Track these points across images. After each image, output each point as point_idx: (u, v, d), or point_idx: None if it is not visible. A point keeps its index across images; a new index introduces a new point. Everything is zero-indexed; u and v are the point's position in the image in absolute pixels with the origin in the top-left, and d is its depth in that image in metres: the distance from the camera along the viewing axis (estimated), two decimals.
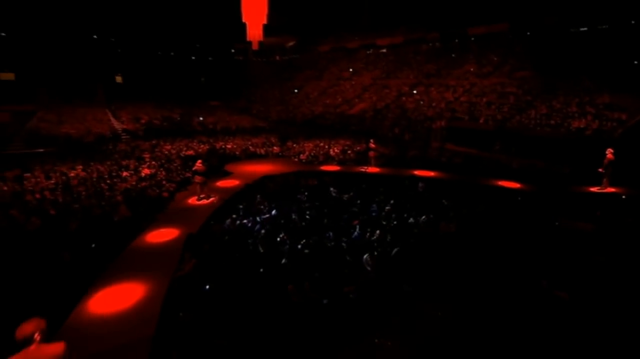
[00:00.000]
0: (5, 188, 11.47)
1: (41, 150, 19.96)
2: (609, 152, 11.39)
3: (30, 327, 2.86)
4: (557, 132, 18.21)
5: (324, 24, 45.58)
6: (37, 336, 2.85)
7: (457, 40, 34.56)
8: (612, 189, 11.30)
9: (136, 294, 5.99)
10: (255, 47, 13.92)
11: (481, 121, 22.57)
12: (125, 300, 5.83)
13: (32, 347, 2.82)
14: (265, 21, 12.27)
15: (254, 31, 12.30)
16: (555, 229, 8.48)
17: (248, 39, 12.76)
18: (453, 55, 33.48)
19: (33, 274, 6.35)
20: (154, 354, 4.60)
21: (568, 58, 24.02)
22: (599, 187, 11.57)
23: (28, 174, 13.17)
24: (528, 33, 30.05)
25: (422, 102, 28.41)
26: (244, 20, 12.56)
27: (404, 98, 30.59)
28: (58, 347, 2.93)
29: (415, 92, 30.77)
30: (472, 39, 33.64)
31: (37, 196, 10.82)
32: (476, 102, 24.84)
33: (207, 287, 6.18)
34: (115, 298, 5.89)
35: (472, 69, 29.64)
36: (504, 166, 15.81)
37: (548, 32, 27.87)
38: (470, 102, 25.35)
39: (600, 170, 11.61)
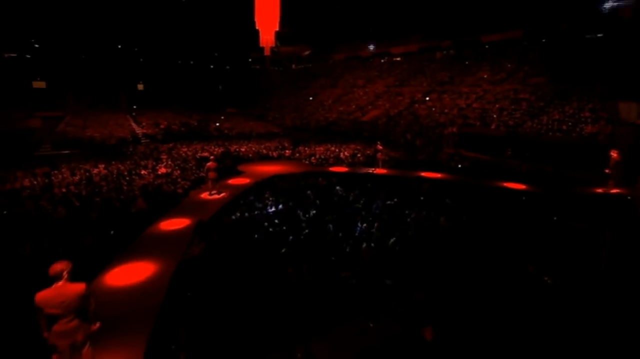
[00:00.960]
0: (36, 182, 12.39)
1: (67, 152, 21.13)
2: (615, 153, 11.44)
3: (61, 266, 3.48)
4: (568, 138, 18.17)
5: (339, 33, 46.50)
6: (65, 274, 3.42)
7: (470, 48, 34.71)
8: (617, 190, 11.31)
9: (148, 271, 6.54)
10: (267, 52, 14.54)
11: (493, 127, 22.64)
12: (137, 275, 6.39)
13: (60, 283, 3.39)
14: (277, 28, 12.86)
15: (267, 37, 12.91)
16: (553, 225, 8.65)
17: (261, 44, 13.41)
18: (467, 62, 33.62)
19: (59, 254, 7.00)
20: (159, 319, 5.10)
21: (582, 64, 23.88)
22: (604, 188, 11.60)
23: (56, 171, 14.14)
24: (543, 40, 29.99)
25: (434, 109, 28.62)
26: (257, 27, 13.22)
27: (416, 105, 30.86)
28: (80, 286, 3.48)
29: (427, 99, 31.01)
30: (487, 46, 33.76)
31: (63, 189, 11.65)
32: (488, 109, 24.92)
33: (213, 268, 6.67)
34: (129, 274, 6.45)
35: (485, 76, 29.72)
36: (513, 170, 15.87)
37: (563, 39, 27.77)
38: (482, 108, 25.44)
39: (606, 171, 11.66)
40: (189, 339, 4.83)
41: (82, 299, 3.48)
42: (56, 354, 3.51)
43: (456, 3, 34.15)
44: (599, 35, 26.62)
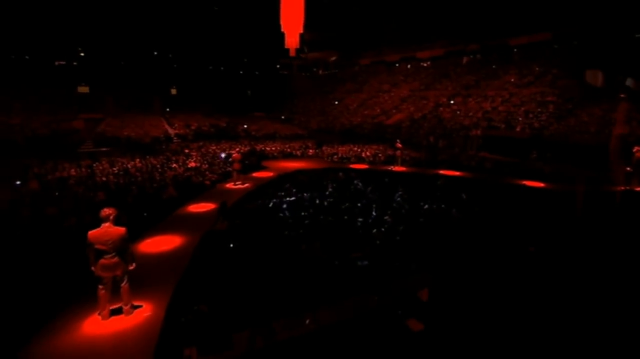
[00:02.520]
0: (80, 172, 13.71)
1: (106, 149, 22.79)
2: (637, 151, 11.29)
3: (109, 211, 4.33)
4: (594, 139, 17.79)
5: (366, 39, 47.11)
6: (111, 218, 4.19)
7: (497, 51, 34.33)
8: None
9: (175, 242, 7.31)
10: (292, 54, 15.33)
11: (518, 129, 22.41)
12: (166, 245, 7.17)
13: (107, 224, 4.17)
14: (301, 30, 13.55)
15: (292, 39, 13.62)
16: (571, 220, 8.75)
17: (286, 46, 14.15)
18: (494, 66, 33.27)
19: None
20: (183, 277, 5.79)
21: (615, 66, 23.20)
22: (627, 186, 11.45)
23: (97, 163, 15.50)
24: (575, 42, 29.24)
25: (459, 112, 28.52)
26: (282, 30, 13.97)
27: (441, 109, 30.83)
28: (122, 229, 4.22)
29: (452, 102, 30.91)
30: (515, 49, 33.29)
31: (104, 178, 12.81)
32: (514, 111, 24.65)
33: (235, 242, 7.32)
34: (159, 244, 7.24)
35: (512, 80, 29.34)
36: (535, 171, 15.74)
37: (596, 41, 26.99)
38: (508, 111, 25.19)
39: (628, 169, 11.51)
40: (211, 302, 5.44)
41: (123, 240, 4.22)
42: (101, 285, 4.25)
43: (483, 6, 33.95)
44: (637, 35, 25.72)
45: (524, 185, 12.94)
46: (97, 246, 4.18)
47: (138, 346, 4.08)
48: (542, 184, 12.90)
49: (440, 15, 38.51)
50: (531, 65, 29.58)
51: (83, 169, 14.31)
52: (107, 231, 4.24)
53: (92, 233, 4.22)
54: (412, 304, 5.09)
